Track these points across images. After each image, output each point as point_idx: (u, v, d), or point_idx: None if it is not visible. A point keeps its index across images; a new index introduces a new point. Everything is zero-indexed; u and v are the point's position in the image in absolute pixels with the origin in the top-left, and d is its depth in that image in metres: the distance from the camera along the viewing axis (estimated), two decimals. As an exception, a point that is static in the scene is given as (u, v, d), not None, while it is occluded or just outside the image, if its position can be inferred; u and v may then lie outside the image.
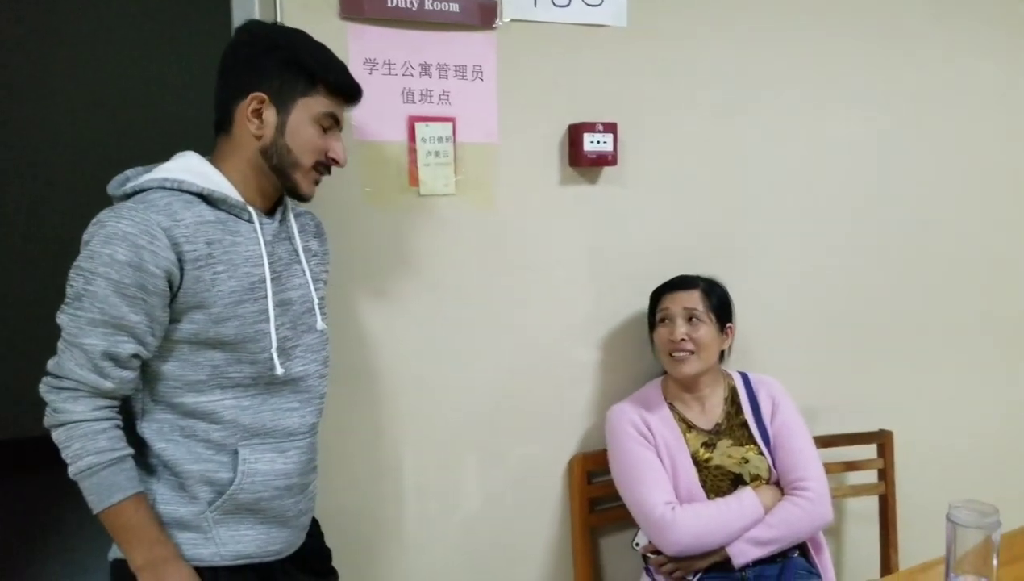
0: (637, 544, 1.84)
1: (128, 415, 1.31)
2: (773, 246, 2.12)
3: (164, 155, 1.35)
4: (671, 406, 1.86)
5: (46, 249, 3.72)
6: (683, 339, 1.79)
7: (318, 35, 1.37)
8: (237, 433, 1.30)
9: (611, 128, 1.84)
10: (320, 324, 1.41)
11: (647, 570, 1.84)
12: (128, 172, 1.32)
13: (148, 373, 1.27)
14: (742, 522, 1.73)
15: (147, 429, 1.29)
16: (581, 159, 1.83)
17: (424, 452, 1.84)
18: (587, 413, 1.99)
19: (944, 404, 2.37)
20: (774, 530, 1.73)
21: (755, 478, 1.79)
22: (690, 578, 1.75)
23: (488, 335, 1.87)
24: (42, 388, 1.21)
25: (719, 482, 1.79)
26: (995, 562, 1.27)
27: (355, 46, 1.67)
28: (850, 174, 2.18)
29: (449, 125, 1.76)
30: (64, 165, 3.87)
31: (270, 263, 1.30)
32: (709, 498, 1.77)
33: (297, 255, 1.39)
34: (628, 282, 1.97)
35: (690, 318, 1.80)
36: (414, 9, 1.69)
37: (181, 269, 1.21)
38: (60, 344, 1.21)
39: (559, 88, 1.85)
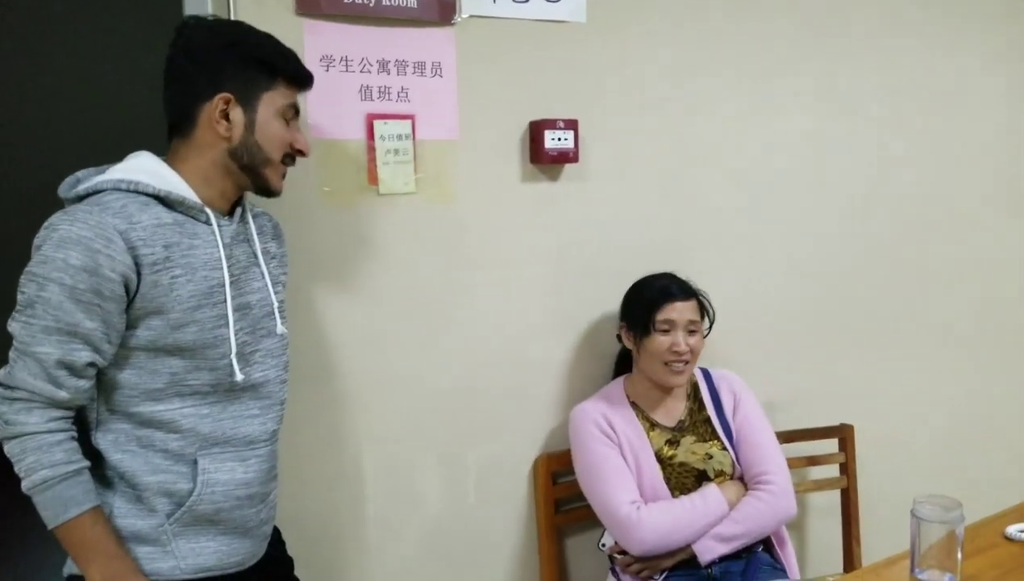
0: (603, 545, 1.84)
1: (83, 426, 1.27)
2: (733, 242, 2.15)
3: (111, 155, 1.32)
4: (634, 405, 1.87)
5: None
6: (687, 350, 1.78)
7: (273, 32, 1.36)
8: (196, 442, 1.28)
9: (572, 125, 1.84)
10: (280, 328, 1.39)
11: (613, 570, 1.84)
12: (79, 173, 1.28)
13: (104, 382, 1.24)
14: (707, 519, 1.74)
15: (103, 440, 1.26)
16: (542, 156, 1.83)
17: (385, 455, 1.83)
18: (551, 412, 1.99)
19: (904, 397, 2.42)
20: (739, 526, 1.74)
21: (719, 474, 1.80)
22: (657, 577, 1.76)
23: (449, 335, 1.86)
24: None
25: (683, 479, 1.79)
26: (959, 556, 1.28)
27: (311, 43, 1.64)
28: (808, 170, 2.22)
29: (408, 122, 1.74)
30: (4, 165, 3.76)
31: (228, 266, 1.28)
32: (674, 496, 1.79)
33: (256, 258, 1.37)
34: (590, 279, 1.98)
35: (690, 330, 1.81)
36: (371, 4, 1.68)
37: (138, 273, 1.18)
38: (12, 353, 1.17)
39: (519, 84, 1.85)
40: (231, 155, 1.29)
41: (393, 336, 1.80)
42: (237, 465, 1.31)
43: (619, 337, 1.94)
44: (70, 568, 1.27)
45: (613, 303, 1.95)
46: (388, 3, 1.68)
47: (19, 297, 1.16)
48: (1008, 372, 2.56)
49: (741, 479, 1.83)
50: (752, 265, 2.17)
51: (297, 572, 1.55)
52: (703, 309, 1.87)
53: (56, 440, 1.18)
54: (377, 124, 1.72)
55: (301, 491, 1.72)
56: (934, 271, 2.42)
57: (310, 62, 1.61)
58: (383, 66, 1.72)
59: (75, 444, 1.20)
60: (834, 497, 2.24)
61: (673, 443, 1.84)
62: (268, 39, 1.33)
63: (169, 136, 1.32)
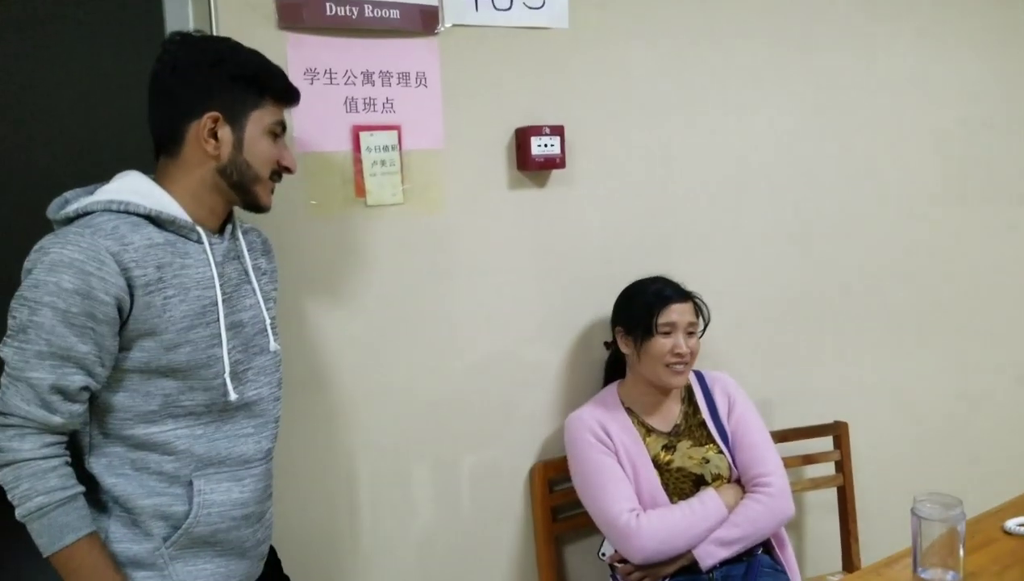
0: (603, 554, 1.83)
1: (76, 450, 1.26)
2: (722, 243, 2.16)
3: (93, 173, 1.29)
4: (629, 411, 1.86)
5: None
6: (688, 352, 1.80)
7: (256, 46, 1.35)
8: (191, 464, 1.27)
9: (558, 131, 1.85)
10: (273, 345, 1.39)
11: (614, 578, 1.82)
12: (67, 194, 1.28)
13: (97, 406, 1.24)
14: (707, 524, 1.73)
15: (96, 464, 1.25)
16: (529, 162, 1.84)
17: (379, 466, 1.83)
18: (546, 419, 1.99)
19: (898, 393, 2.44)
20: (739, 529, 1.74)
21: (716, 477, 1.80)
22: None
23: (441, 344, 1.86)
24: None
25: (681, 484, 1.78)
26: (961, 553, 1.28)
27: (295, 56, 1.64)
28: (795, 169, 2.24)
29: (394, 133, 1.75)
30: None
31: (221, 285, 1.28)
32: (672, 501, 1.79)
33: (247, 274, 1.37)
34: (580, 284, 1.99)
35: (690, 332, 1.81)
36: (354, 17, 1.67)
37: (131, 295, 1.18)
38: (3, 379, 1.16)
39: (504, 92, 1.86)
40: (220, 173, 1.29)
41: (385, 347, 1.80)
42: (233, 485, 1.31)
43: (607, 344, 1.93)
44: None
45: (604, 308, 1.95)
46: (371, 15, 1.69)
47: (10, 322, 1.15)
48: (1002, 366, 2.58)
49: (738, 481, 1.82)
50: (742, 265, 2.18)
51: (294, 589, 1.54)
52: (699, 310, 1.86)
53: (51, 466, 1.17)
54: (363, 136, 1.72)
55: (296, 505, 1.72)
56: (926, 267, 2.44)
57: (294, 76, 1.60)
58: (368, 77, 1.72)
59: (69, 470, 1.19)
60: (831, 495, 2.25)
61: (669, 448, 1.83)
62: (255, 56, 1.32)
63: (156, 154, 1.32)
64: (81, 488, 1.20)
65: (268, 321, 1.38)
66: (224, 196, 1.32)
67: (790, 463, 2.06)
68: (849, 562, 2.21)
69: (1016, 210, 2.55)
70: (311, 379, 1.72)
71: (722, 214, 2.14)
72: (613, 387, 1.92)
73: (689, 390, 1.92)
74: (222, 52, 1.30)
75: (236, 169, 1.29)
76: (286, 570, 1.55)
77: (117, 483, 1.24)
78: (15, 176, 3.68)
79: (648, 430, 1.85)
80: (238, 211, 1.39)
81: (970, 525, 1.37)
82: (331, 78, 1.68)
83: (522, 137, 1.84)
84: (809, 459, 2.19)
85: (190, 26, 1.54)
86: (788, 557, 1.86)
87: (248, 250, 1.39)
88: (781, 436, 2.11)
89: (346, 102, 1.70)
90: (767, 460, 1.82)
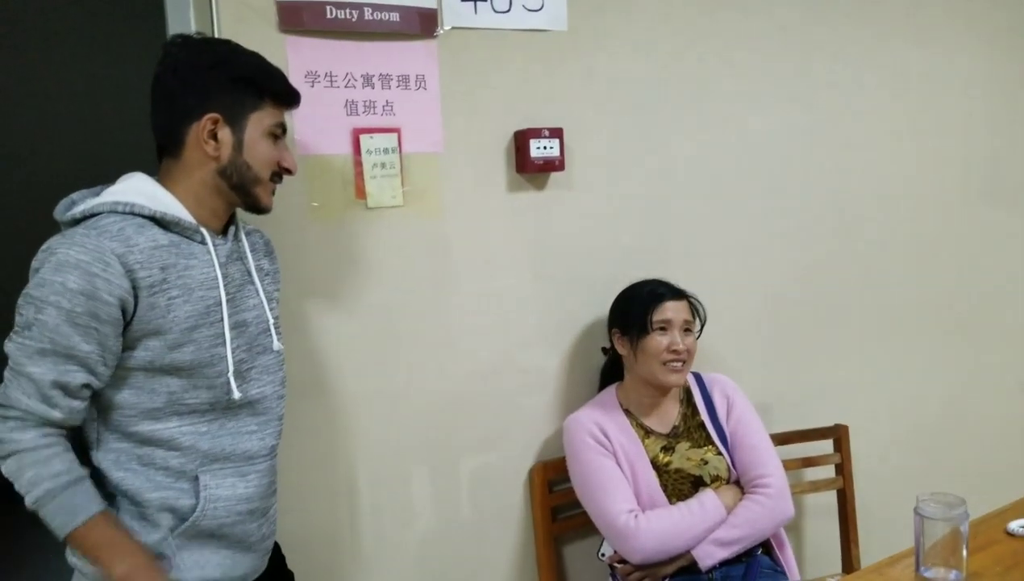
0: (603, 555, 1.83)
1: (83, 445, 1.29)
2: (722, 246, 2.17)
3: (98, 175, 1.31)
4: (627, 412, 1.87)
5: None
6: (685, 350, 1.80)
7: (257, 48, 1.37)
8: (196, 459, 1.29)
9: (557, 133, 1.86)
10: (276, 344, 1.41)
11: (613, 578, 1.81)
12: (74, 195, 1.30)
13: (102, 402, 1.26)
14: (705, 525, 1.73)
15: (103, 459, 1.27)
16: (528, 165, 1.85)
17: (379, 468, 1.84)
18: (545, 420, 2.00)
19: (898, 396, 2.45)
20: (738, 530, 1.74)
21: (715, 479, 1.80)
22: None
23: (440, 346, 1.88)
24: None
25: (680, 486, 1.78)
26: (965, 553, 1.27)
27: (295, 59, 1.66)
28: (794, 171, 2.25)
29: (394, 136, 1.76)
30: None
31: (224, 285, 1.30)
32: (671, 502, 1.80)
33: (250, 275, 1.39)
34: (579, 286, 2.00)
35: (686, 329, 1.82)
36: (354, 20, 1.69)
37: (136, 296, 1.20)
38: (7, 373, 1.18)
39: (503, 94, 1.88)
40: (220, 174, 1.31)
41: (385, 348, 1.81)
42: (238, 481, 1.33)
43: (604, 350, 1.93)
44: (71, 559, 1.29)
45: (603, 310, 1.97)
46: (371, 18, 1.70)
47: (17, 318, 1.18)
48: (1003, 368, 2.60)
49: (737, 483, 1.82)
50: (742, 268, 2.20)
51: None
52: (695, 310, 1.86)
53: (53, 452, 1.19)
54: (363, 138, 1.73)
55: (296, 505, 1.73)
56: (927, 269, 2.45)
57: (295, 78, 1.62)
58: (367, 80, 1.73)
59: (72, 455, 1.21)
60: (830, 498, 2.25)
61: (668, 450, 1.83)
62: (255, 58, 1.34)
63: (159, 156, 1.34)
64: (86, 471, 1.22)
65: (271, 321, 1.40)
66: (225, 197, 1.33)
67: (790, 465, 2.07)
68: (848, 565, 2.21)
69: (1022, 211, 2.55)
70: (311, 380, 1.74)
71: (721, 216, 2.15)
72: (612, 389, 1.93)
73: (688, 392, 1.92)
74: (222, 54, 1.31)
75: (236, 170, 1.31)
76: (288, 566, 1.56)
77: (125, 477, 1.26)
78: (20, 178, 3.71)
79: (647, 432, 1.85)
80: (241, 213, 1.41)
81: (973, 526, 1.38)
82: (331, 81, 1.70)
83: (521, 139, 1.85)
84: (809, 462, 2.19)
85: (192, 29, 1.56)
86: (787, 558, 1.87)
87: (251, 251, 1.41)
88: (781, 439, 2.12)
89: (346, 105, 1.72)
90: (766, 461, 1.82)
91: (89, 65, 3.82)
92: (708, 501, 1.76)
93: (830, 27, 2.23)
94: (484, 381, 1.91)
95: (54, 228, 1.26)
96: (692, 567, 1.74)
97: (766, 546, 1.86)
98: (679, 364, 1.81)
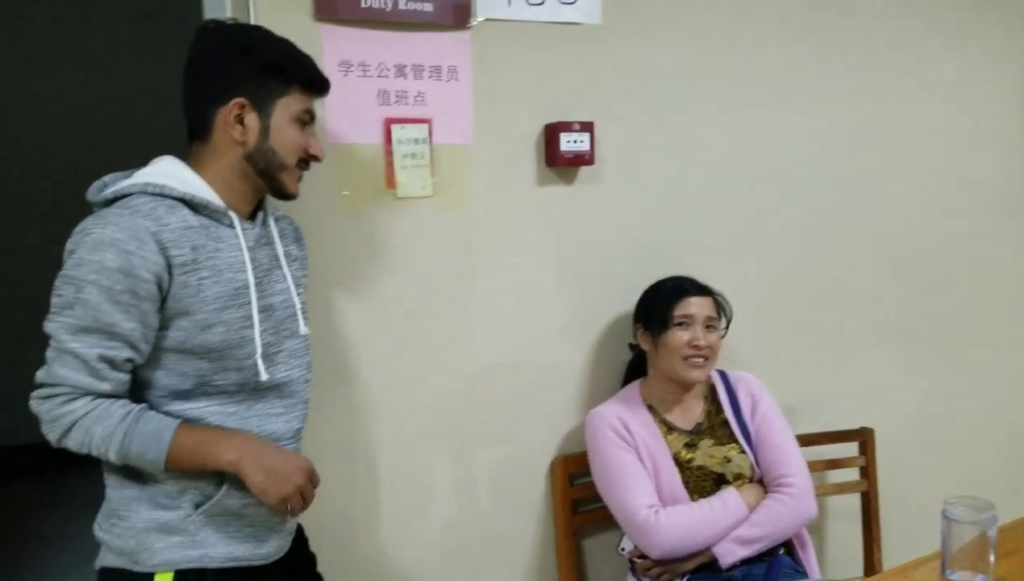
0: (623, 549, 1.84)
1: None
2: (750, 244, 2.16)
3: (136, 160, 1.35)
4: (650, 408, 1.86)
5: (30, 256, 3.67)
6: (706, 346, 1.79)
7: (291, 37, 1.38)
8: None
9: (588, 127, 1.87)
10: (303, 329, 1.43)
11: (633, 572, 1.82)
12: (106, 178, 1.32)
13: (135, 382, 1.28)
14: (727, 522, 1.73)
15: None
16: (558, 159, 1.85)
17: (400, 456, 1.85)
18: (567, 414, 2.01)
19: (925, 400, 2.44)
20: (759, 528, 1.73)
21: (738, 477, 1.79)
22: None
23: (466, 337, 1.88)
24: (33, 402, 1.21)
25: (702, 483, 1.78)
26: (992, 558, 1.25)
27: (329, 48, 1.68)
28: (826, 170, 2.24)
29: (425, 126, 1.77)
30: (39, 171, 3.82)
31: (252, 269, 1.32)
32: (693, 499, 1.80)
33: (278, 260, 1.41)
34: (606, 282, 2.00)
35: (708, 326, 1.82)
36: (388, 9, 1.70)
37: (170, 273, 1.22)
38: (49, 353, 1.20)
39: (534, 87, 1.88)
40: (247, 160, 1.32)
41: (410, 339, 1.82)
42: None
43: (631, 346, 1.92)
44: (103, 560, 1.31)
45: (628, 305, 1.97)
46: (405, 8, 1.71)
47: (55, 300, 1.19)
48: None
49: (760, 482, 1.81)
50: (770, 267, 2.19)
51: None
52: (720, 308, 1.85)
53: (107, 404, 1.21)
54: (394, 128, 1.74)
55: (319, 490, 1.71)
56: (957, 273, 2.43)
57: (329, 67, 1.64)
58: (400, 71, 1.74)
59: (124, 400, 1.24)
60: (854, 501, 2.24)
61: (691, 446, 1.82)
62: (284, 44, 1.36)
63: (189, 140, 1.36)
64: (144, 404, 1.25)
65: (298, 305, 1.42)
66: (252, 183, 1.35)
67: (814, 467, 2.06)
68: (871, 568, 2.20)
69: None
70: (335, 367, 1.75)
71: (751, 215, 2.14)
72: (635, 385, 1.93)
73: (712, 389, 1.91)
74: (252, 40, 1.33)
75: (262, 156, 1.32)
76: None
77: None
78: (56, 161, 3.76)
79: (669, 428, 1.85)
80: (271, 199, 1.42)
81: (1001, 532, 1.36)
82: (364, 70, 1.71)
83: (551, 133, 1.85)
84: (833, 464, 2.18)
85: (227, 15, 1.57)
86: (809, 559, 1.86)
87: (280, 237, 1.43)
88: (806, 440, 2.10)
89: (379, 94, 1.73)
90: (790, 461, 1.81)
91: (126, 51, 3.88)
92: (730, 499, 1.75)
93: (863, 29, 2.21)
94: (507, 373, 1.92)
95: (88, 212, 1.28)
96: (712, 565, 1.74)
97: (788, 546, 1.85)
98: (700, 360, 1.80)
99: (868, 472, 2.20)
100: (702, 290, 1.85)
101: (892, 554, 2.16)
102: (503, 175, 1.86)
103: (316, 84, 1.38)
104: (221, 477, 1.30)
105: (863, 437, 2.21)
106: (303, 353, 1.43)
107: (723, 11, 2.04)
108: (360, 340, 1.77)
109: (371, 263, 1.76)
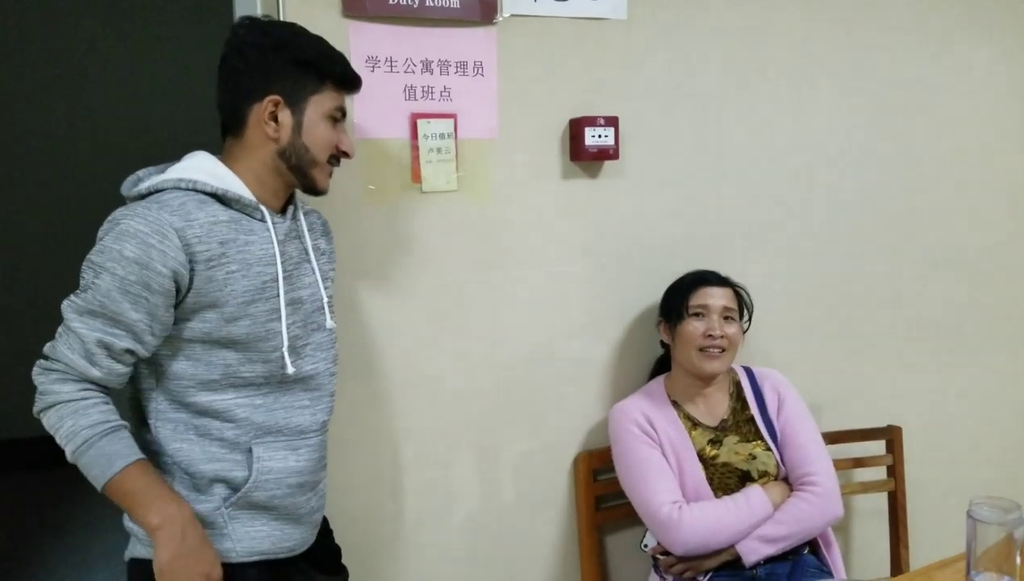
0: (646, 546, 1.83)
1: (141, 416, 1.34)
2: (777, 239, 2.15)
3: (171, 155, 1.38)
4: (675, 404, 1.85)
5: (48, 251, 3.78)
6: (722, 336, 1.78)
7: (320, 33, 1.40)
8: (251, 431, 1.34)
9: (612, 122, 1.87)
10: (329, 322, 1.45)
11: (656, 569, 1.82)
12: (140, 172, 1.35)
13: (161, 372, 1.31)
14: (751, 520, 1.73)
15: (161, 429, 1.32)
16: (582, 153, 1.86)
17: (425, 450, 1.87)
18: (591, 409, 2.01)
19: (954, 399, 2.41)
20: (784, 527, 1.72)
21: (763, 474, 1.78)
22: (700, 578, 1.76)
23: (491, 331, 1.89)
24: (34, 371, 1.25)
25: (726, 480, 1.77)
26: (1019, 559, 1.23)
27: (357, 44, 1.70)
28: (853, 167, 2.22)
29: (451, 121, 1.78)
30: (66, 167, 3.90)
31: (282, 262, 1.34)
32: (717, 496, 1.79)
33: (307, 254, 1.43)
34: (630, 276, 2.00)
35: (726, 316, 1.81)
36: (415, 6, 1.72)
37: (192, 270, 1.24)
38: (59, 329, 1.24)
39: (559, 82, 1.89)
40: (280, 156, 1.35)
41: (434, 332, 1.84)
42: (289, 454, 1.37)
43: (663, 343, 1.91)
44: (131, 552, 1.33)
45: (653, 300, 1.98)
46: (431, 4, 1.73)
47: (80, 281, 1.23)
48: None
49: (786, 480, 1.79)
50: (797, 262, 2.18)
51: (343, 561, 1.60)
52: (740, 299, 1.85)
53: (91, 403, 1.23)
54: (420, 123, 1.76)
55: (344, 483, 1.77)
56: (986, 270, 2.40)
57: (356, 63, 1.66)
58: (426, 66, 1.76)
59: (110, 407, 1.25)
60: (881, 500, 2.22)
61: (716, 443, 1.81)
62: (318, 42, 1.38)
63: (223, 135, 1.38)
64: (124, 423, 1.26)
65: (325, 299, 1.44)
66: (284, 178, 1.37)
67: (841, 465, 2.05)
68: (898, 569, 2.18)
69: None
70: (361, 360, 1.77)
71: (777, 211, 2.14)
72: (660, 380, 1.93)
73: (738, 385, 1.90)
74: (285, 37, 1.35)
75: (295, 152, 1.34)
76: (336, 541, 1.60)
77: (181, 448, 1.31)
78: (92, 156, 3.83)
79: (694, 424, 1.84)
80: (299, 193, 1.44)
81: (1026, 534, 1.32)
82: (391, 66, 1.73)
83: (576, 128, 1.86)
84: (860, 462, 2.16)
85: (258, 12, 1.59)
86: (834, 558, 1.84)
87: (308, 231, 1.45)
88: (833, 438, 2.09)
89: (405, 90, 1.75)
90: (816, 459, 1.80)
91: (160, 47, 3.93)
92: (754, 496, 1.74)
93: (892, 22, 2.19)
94: (531, 368, 1.93)
95: (119, 202, 1.31)
96: (736, 563, 1.73)
97: (813, 546, 1.83)
98: (716, 351, 1.79)
99: (896, 471, 2.18)
100: (720, 281, 1.85)
101: (920, 555, 2.14)
102: (528, 169, 1.87)
103: (349, 81, 1.40)
104: (249, 470, 1.32)
105: (890, 435, 2.19)
106: (329, 346, 1.45)
107: (749, 5, 2.03)
108: (386, 333, 1.79)
109: (397, 257, 1.78)
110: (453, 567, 1.90)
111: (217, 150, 1.37)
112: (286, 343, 1.33)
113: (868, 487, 2.18)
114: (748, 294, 1.90)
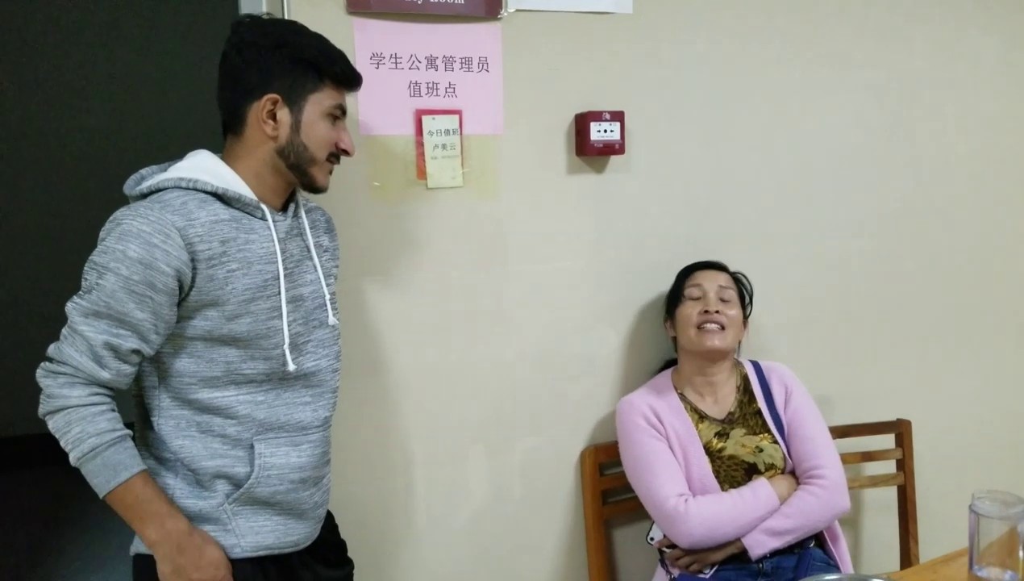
0: (652, 538, 1.84)
1: (144, 413, 1.36)
2: (784, 234, 2.15)
3: (174, 153, 1.39)
4: (682, 396, 1.86)
5: (49, 248, 3.83)
6: (716, 311, 1.79)
7: (324, 30, 1.41)
8: (252, 427, 1.35)
9: (618, 116, 1.87)
10: (332, 319, 1.46)
11: (662, 563, 1.82)
12: (143, 171, 1.36)
13: (163, 369, 1.32)
14: (757, 513, 1.72)
15: (164, 426, 1.33)
16: (588, 148, 1.86)
17: (432, 445, 1.88)
18: (598, 404, 2.01)
19: (963, 393, 2.40)
20: (790, 520, 1.72)
21: (770, 467, 1.78)
22: (706, 571, 1.74)
23: (497, 326, 1.90)
24: (39, 373, 1.26)
25: (733, 472, 1.77)
26: (1021, 554, 1.23)
27: (361, 40, 1.70)
28: (859, 162, 2.21)
29: (456, 117, 1.79)
30: (67, 165, 3.93)
31: (283, 260, 1.35)
32: (723, 489, 1.79)
33: (308, 251, 1.44)
34: (636, 271, 2.00)
35: (723, 298, 1.83)
36: (419, 2, 1.73)
37: (194, 269, 1.25)
38: (64, 330, 1.25)
39: (565, 77, 1.89)
40: (279, 154, 1.35)
41: (440, 328, 1.85)
42: (291, 450, 1.38)
43: (674, 341, 1.92)
44: (137, 547, 1.35)
45: (659, 295, 1.99)
46: (436, 0, 1.69)
47: (82, 283, 1.24)
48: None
49: (792, 473, 1.79)
50: (804, 257, 2.17)
51: (349, 555, 1.60)
52: (739, 285, 1.89)
53: (99, 410, 1.24)
54: (425, 119, 1.76)
55: (352, 478, 1.78)
56: (993, 264, 2.39)
57: (360, 60, 1.66)
58: (431, 62, 1.76)
59: (117, 415, 1.27)
60: (890, 494, 2.22)
61: (722, 436, 1.81)
62: (318, 40, 1.38)
63: (224, 133, 1.39)
64: (129, 431, 1.27)
65: (327, 296, 1.45)
66: (284, 176, 1.38)
67: (849, 459, 2.04)
68: (907, 563, 2.18)
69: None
70: (368, 356, 1.78)
71: (784, 205, 2.13)
72: (667, 373, 1.93)
73: (745, 378, 1.90)
74: (285, 35, 1.35)
75: (294, 150, 1.35)
76: (343, 536, 1.61)
77: (183, 445, 1.32)
78: (96, 155, 3.86)
79: (701, 416, 1.84)
80: (302, 190, 1.45)
81: (1030, 527, 1.32)
82: (396, 63, 1.73)
83: (581, 122, 1.86)
84: (869, 456, 2.16)
85: (263, 10, 1.59)
86: (841, 552, 1.84)
87: (311, 228, 1.46)
88: (842, 431, 2.10)
89: (410, 86, 1.75)
90: (823, 453, 1.79)
91: (162, 49, 3.95)
92: (761, 489, 1.74)
93: (901, 14, 2.17)
94: (537, 363, 1.93)
95: (123, 203, 1.32)
96: (742, 556, 1.73)
97: (819, 539, 1.83)
98: (715, 326, 1.80)
99: (905, 465, 2.17)
100: (719, 265, 1.87)
101: (929, 549, 2.13)
102: (533, 165, 1.87)
103: (348, 80, 1.40)
104: (251, 466, 1.34)
105: (899, 429, 2.18)
106: (331, 343, 1.46)
107: (757, 2, 2.01)
108: (392, 329, 1.79)
109: (402, 253, 1.78)
110: (460, 561, 1.91)
111: (220, 148, 1.38)
112: (287, 340, 1.34)
113: (877, 481, 2.17)
114: (747, 280, 1.90)
